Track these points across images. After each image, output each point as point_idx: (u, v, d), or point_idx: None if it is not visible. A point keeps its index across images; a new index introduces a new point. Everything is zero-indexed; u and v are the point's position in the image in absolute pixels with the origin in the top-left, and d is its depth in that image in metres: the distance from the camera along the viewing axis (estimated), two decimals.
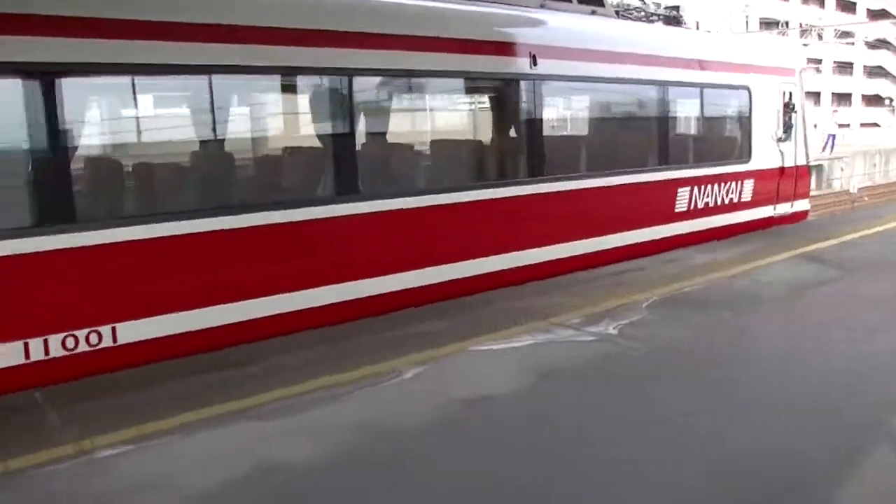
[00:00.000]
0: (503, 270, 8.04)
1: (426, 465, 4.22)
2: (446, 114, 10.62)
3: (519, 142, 8.57)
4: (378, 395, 5.25)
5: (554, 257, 8.53)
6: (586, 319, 6.90)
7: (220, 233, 6.22)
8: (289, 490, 4.02)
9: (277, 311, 6.54)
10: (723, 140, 11.51)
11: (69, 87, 5.54)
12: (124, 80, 6.39)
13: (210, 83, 6.54)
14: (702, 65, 10.49)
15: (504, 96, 8.69)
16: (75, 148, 5.89)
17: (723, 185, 10.74)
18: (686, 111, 10.80)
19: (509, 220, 8.19)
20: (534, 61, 8.10)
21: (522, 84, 8.26)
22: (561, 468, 4.14)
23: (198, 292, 6.20)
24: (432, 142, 9.23)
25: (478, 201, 7.88)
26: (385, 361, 5.85)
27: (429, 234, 7.51)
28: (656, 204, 9.87)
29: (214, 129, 6.89)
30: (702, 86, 10.52)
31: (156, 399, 5.21)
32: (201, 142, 7.10)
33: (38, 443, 4.56)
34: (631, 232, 9.42)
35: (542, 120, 8.51)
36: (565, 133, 10.42)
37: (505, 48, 8.03)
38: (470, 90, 9.18)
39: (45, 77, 5.33)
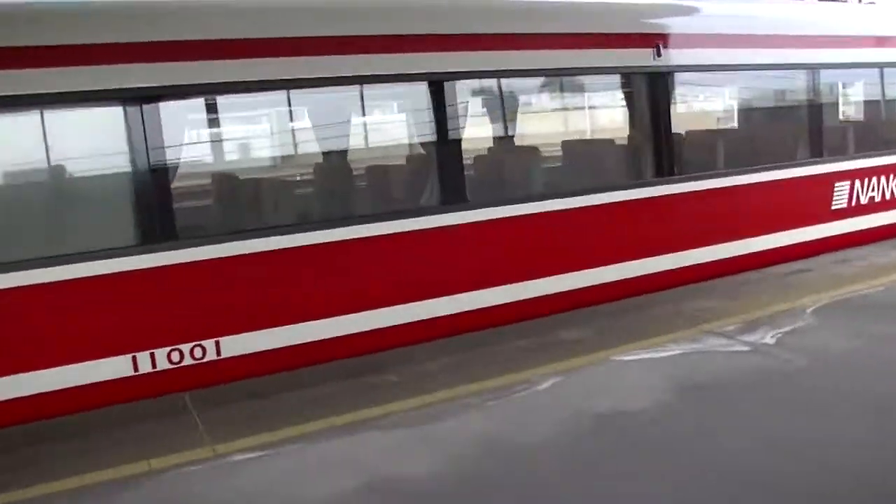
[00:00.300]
0: (643, 276, 7.60)
1: (537, 488, 4.01)
2: (567, 113, 10.23)
3: (650, 139, 7.95)
4: (508, 408, 5.10)
5: (697, 261, 7.94)
6: (742, 326, 6.38)
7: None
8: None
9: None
10: (891, 126, 10.24)
11: None
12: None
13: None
14: (866, 42, 9.34)
15: (628, 91, 8.18)
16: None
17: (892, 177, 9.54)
18: (847, 95, 9.69)
19: (642, 223, 7.70)
20: (658, 52, 7.56)
21: (650, 77, 7.74)
22: None
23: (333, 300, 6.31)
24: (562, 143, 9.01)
25: (623, 202, 7.50)
26: (522, 371, 5.70)
27: (565, 238, 7.25)
28: (809, 201, 8.91)
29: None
30: (861, 66, 9.38)
31: (290, 405, 5.35)
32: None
33: (181, 444, 4.80)
34: (777, 234, 8.54)
35: (671, 114, 7.93)
36: (702, 127, 9.63)
37: (623, 40, 7.51)
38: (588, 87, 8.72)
39: None
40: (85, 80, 5.35)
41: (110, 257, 5.51)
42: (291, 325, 6.10)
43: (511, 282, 6.93)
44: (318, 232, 6.18)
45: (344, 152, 8.10)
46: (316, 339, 6.17)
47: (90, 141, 5.89)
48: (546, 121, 10.07)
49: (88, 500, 4.22)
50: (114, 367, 5.55)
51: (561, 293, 7.13)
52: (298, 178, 8.46)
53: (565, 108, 10.15)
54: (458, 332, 6.59)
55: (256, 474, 4.37)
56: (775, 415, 4.70)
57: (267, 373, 5.92)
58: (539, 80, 8.20)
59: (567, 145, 8.93)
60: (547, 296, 7.05)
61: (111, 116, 5.63)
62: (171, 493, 4.26)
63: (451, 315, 6.67)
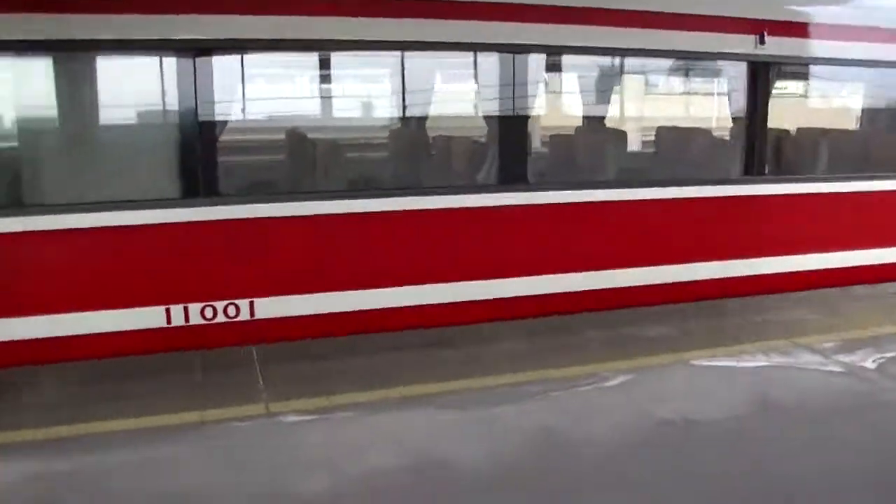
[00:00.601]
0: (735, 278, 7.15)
1: (578, 489, 3.80)
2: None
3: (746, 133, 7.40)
4: (570, 400, 4.89)
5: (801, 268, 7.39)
6: (841, 345, 5.90)
7: None
8: (430, 490, 3.82)
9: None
10: None
11: None
12: None
13: None
14: None
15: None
16: None
17: None
18: None
19: (729, 222, 7.22)
20: (761, 39, 6.98)
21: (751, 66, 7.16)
22: None
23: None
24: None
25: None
26: (592, 363, 5.46)
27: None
28: None
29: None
30: None
31: (353, 371, 5.31)
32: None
33: (236, 398, 4.83)
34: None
35: (769, 108, 7.33)
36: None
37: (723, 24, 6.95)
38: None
39: None
40: None
41: (153, 208, 5.56)
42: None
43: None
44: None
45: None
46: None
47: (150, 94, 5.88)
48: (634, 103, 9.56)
49: (134, 443, 4.30)
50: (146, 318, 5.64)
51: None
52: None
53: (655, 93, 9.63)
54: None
55: (302, 439, 4.34)
56: (861, 446, 4.29)
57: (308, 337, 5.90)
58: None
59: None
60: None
61: None
62: (213, 447, 4.27)
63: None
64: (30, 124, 5.79)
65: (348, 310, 6.02)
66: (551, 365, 5.40)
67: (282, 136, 7.46)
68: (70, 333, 5.45)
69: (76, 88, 5.77)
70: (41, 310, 5.38)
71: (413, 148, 7.43)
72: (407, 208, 6.12)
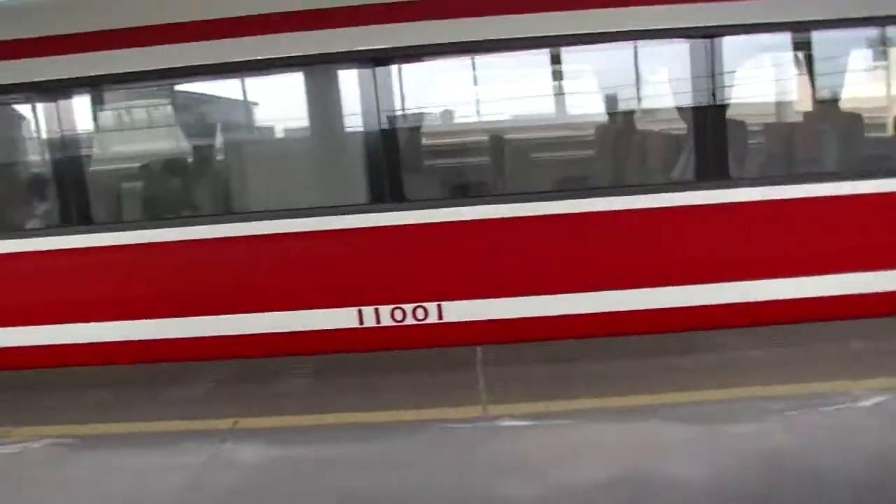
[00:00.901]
0: None
1: None
2: None
3: None
4: (816, 421, 4.34)
5: None
6: None
7: None
8: None
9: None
10: None
11: None
12: None
13: None
14: None
15: None
16: None
17: None
18: None
19: None
20: None
21: None
22: None
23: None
24: None
25: None
26: (845, 379, 4.84)
27: None
28: None
29: None
30: None
31: (581, 376, 5.16)
32: None
33: (455, 399, 4.87)
34: None
35: None
36: None
37: None
38: None
39: None
40: None
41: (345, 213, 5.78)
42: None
43: None
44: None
45: None
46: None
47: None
48: None
49: (357, 437, 4.48)
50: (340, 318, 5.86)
51: None
52: None
53: None
54: None
55: (514, 444, 4.26)
56: None
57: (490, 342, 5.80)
58: None
59: None
60: None
61: None
62: (428, 446, 4.32)
63: None
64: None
65: (545, 314, 5.88)
66: (796, 379, 4.88)
67: (479, 137, 7.36)
68: (286, 330, 5.89)
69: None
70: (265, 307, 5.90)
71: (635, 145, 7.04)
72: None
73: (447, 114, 7.22)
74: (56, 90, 5.86)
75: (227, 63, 5.70)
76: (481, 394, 4.94)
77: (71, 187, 5.97)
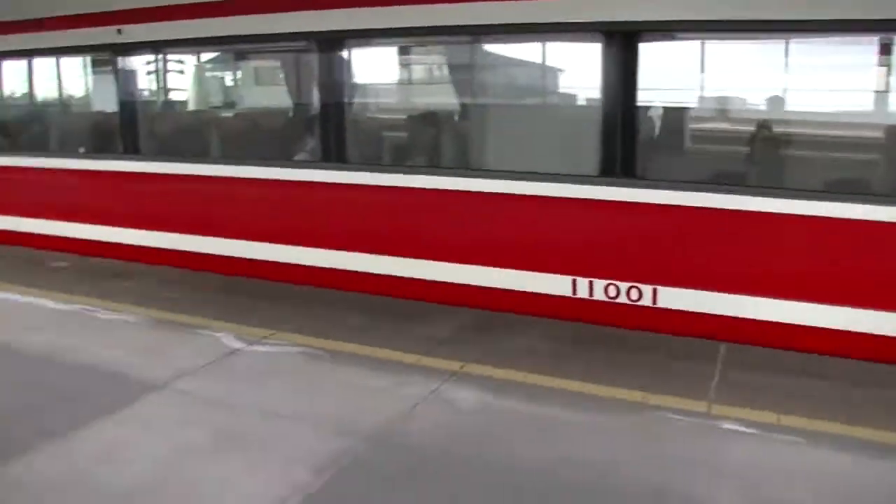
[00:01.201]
0: None
1: None
2: None
3: None
4: None
5: None
6: None
7: None
8: None
9: None
10: None
11: None
12: None
13: None
14: None
15: None
16: None
17: None
18: None
19: None
20: None
21: None
22: None
23: None
24: None
25: None
26: None
27: None
28: None
29: None
30: None
31: (821, 394, 4.66)
32: None
33: (684, 390, 4.67)
34: None
35: None
36: None
37: None
38: None
39: None
40: None
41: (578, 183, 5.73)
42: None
43: None
44: None
45: None
46: None
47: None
48: None
49: (573, 405, 4.49)
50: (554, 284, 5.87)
51: None
52: None
53: None
54: None
55: (729, 450, 3.99)
56: None
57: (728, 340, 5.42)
58: None
59: None
60: None
61: None
62: (638, 430, 4.21)
63: None
64: None
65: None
66: None
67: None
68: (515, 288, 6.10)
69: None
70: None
71: None
72: None
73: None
74: None
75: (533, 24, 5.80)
76: (711, 391, 4.67)
77: None
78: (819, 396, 4.62)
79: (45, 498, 3.51)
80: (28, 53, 9.00)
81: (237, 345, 5.48)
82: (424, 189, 6.32)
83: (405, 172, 6.53)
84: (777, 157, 6.10)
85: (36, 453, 3.87)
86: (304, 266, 6.92)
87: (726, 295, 5.44)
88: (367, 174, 6.55)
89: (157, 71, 8.63)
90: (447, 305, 6.27)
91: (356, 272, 6.68)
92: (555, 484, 3.62)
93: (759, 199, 5.25)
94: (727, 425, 4.24)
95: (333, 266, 6.79)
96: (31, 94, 9.62)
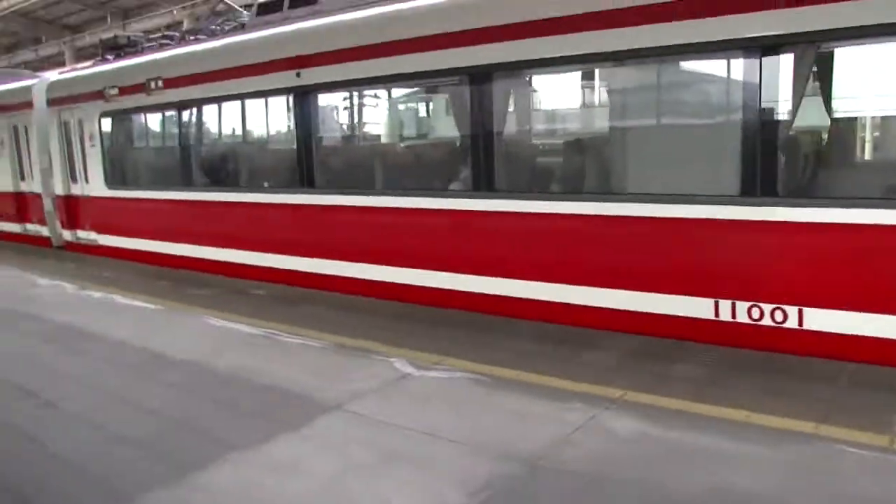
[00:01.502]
0: None
1: None
2: None
3: None
4: None
5: None
6: None
7: None
8: None
9: None
10: None
11: None
12: None
13: None
14: None
15: None
16: None
17: None
18: None
19: None
20: None
21: None
22: None
23: None
24: None
25: None
26: None
27: None
28: None
29: None
30: None
31: None
32: None
33: (863, 422, 4.37)
34: None
35: None
36: None
37: None
38: None
39: None
40: None
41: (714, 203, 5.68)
42: None
43: None
44: None
45: None
46: None
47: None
48: None
49: (717, 432, 4.35)
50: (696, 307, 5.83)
51: None
52: None
53: None
54: None
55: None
56: None
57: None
58: None
59: None
60: None
61: None
62: (806, 460, 3.99)
63: None
64: None
65: None
66: None
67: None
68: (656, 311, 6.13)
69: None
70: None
71: None
72: None
73: None
74: None
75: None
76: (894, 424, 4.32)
77: None
78: None
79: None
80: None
81: (408, 370, 5.73)
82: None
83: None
84: None
85: (219, 465, 4.26)
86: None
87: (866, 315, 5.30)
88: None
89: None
90: (611, 332, 6.25)
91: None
92: None
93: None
94: None
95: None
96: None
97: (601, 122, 7.30)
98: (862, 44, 5.51)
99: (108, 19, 33.01)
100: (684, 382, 5.15)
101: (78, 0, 31.65)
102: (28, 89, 13.96)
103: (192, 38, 11.34)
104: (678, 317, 5.96)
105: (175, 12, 26.15)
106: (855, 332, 5.24)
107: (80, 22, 34.89)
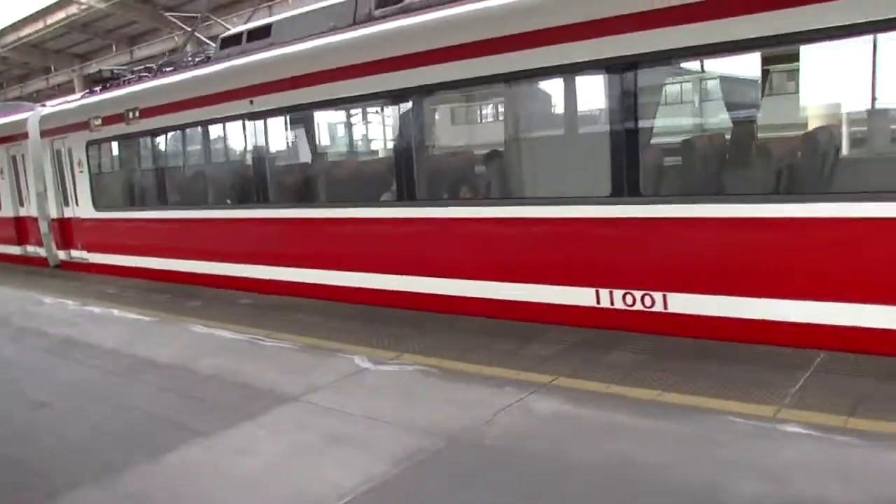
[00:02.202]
0: None
1: None
2: None
3: None
4: None
5: None
6: None
7: None
8: None
9: None
10: None
11: None
12: None
13: None
14: None
15: None
16: None
17: None
18: None
19: None
20: None
21: None
22: None
23: None
24: None
25: None
26: None
27: None
28: None
29: None
30: None
31: None
32: None
33: (759, 397, 4.88)
34: None
35: None
36: None
37: None
38: None
39: None
40: None
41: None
42: None
43: None
44: None
45: None
46: None
47: None
48: None
49: (627, 410, 4.89)
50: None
51: None
52: None
53: None
54: None
55: (784, 452, 4.16)
56: None
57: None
58: None
59: None
60: None
61: None
62: (699, 432, 4.51)
63: None
64: None
65: None
66: None
67: None
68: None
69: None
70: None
71: None
72: None
73: None
74: None
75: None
76: (787, 398, 4.83)
77: None
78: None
79: (185, 480, 4.47)
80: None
81: (366, 365, 6.30)
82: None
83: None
84: None
85: (186, 448, 4.87)
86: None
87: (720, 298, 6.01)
88: None
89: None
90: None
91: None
92: (607, 478, 4.06)
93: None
94: (789, 428, 4.43)
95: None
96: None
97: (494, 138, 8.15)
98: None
99: (114, 47, 33.93)
100: (611, 369, 5.67)
101: (86, 30, 32.58)
102: (23, 122, 15.01)
103: (167, 69, 12.31)
104: (567, 305, 6.69)
105: (176, 38, 26.97)
106: (709, 314, 5.98)
107: (88, 50, 35.90)
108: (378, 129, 10.17)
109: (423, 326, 7.37)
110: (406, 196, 7.94)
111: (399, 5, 8.16)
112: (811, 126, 6.74)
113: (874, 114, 6.26)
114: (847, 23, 5.13)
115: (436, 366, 6.13)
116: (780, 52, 6.10)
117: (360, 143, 11.10)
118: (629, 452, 4.31)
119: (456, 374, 5.89)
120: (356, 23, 8.54)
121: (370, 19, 8.42)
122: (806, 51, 5.75)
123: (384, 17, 8.22)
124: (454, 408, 5.18)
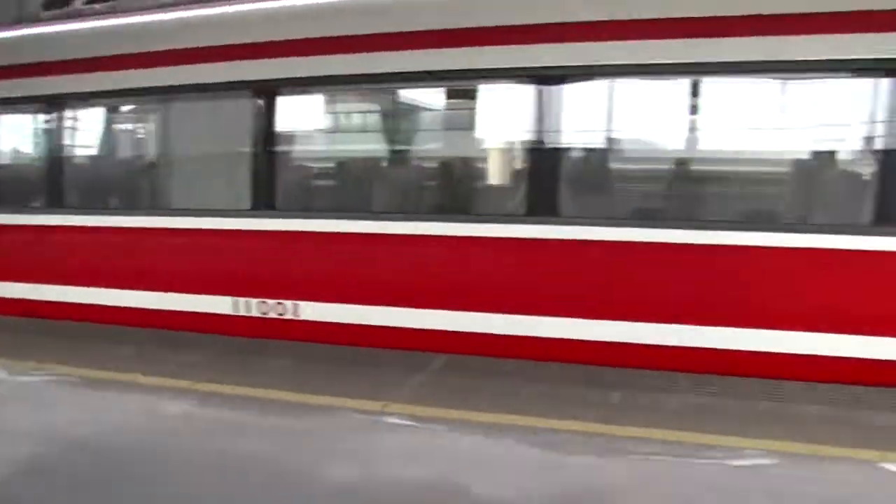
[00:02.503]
0: None
1: None
2: None
3: None
4: None
5: None
6: None
7: None
8: None
9: None
10: None
11: None
12: None
13: None
14: None
15: None
16: None
17: None
18: None
19: None
20: None
21: None
22: None
23: None
24: None
25: None
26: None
27: None
28: None
29: None
30: None
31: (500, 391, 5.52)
32: None
33: (376, 394, 5.46)
34: None
35: None
36: None
37: None
38: None
39: None
40: None
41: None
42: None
43: None
44: None
45: None
46: None
47: None
48: None
49: (250, 409, 5.26)
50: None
51: None
52: None
53: None
54: None
55: (374, 437, 4.75)
56: None
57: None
58: None
59: None
60: None
61: None
62: (315, 424, 4.96)
63: None
64: None
65: None
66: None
67: None
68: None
69: None
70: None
71: None
72: None
73: None
74: None
75: None
76: (401, 394, 5.47)
77: None
78: (487, 391, 5.47)
79: None
80: None
81: (1, 376, 6.06)
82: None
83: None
84: None
85: None
86: None
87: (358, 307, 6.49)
88: None
89: None
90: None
91: None
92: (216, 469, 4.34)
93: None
94: (390, 419, 5.05)
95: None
96: None
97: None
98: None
99: None
100: (265, 374, 6.06)
101: None
102: None
103: None
104: (207, 313, 6.90)
105: None
106: (337, 321, 6.48)
107: None
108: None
109: (77, 337, 7.20)
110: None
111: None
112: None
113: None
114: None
115: (80, 375, 6.05)
116: None
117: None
118: (235, 446, 4.64)
119: (101, 384, 5.87)
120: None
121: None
122: None
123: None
124: (88, 414, 5.20)
